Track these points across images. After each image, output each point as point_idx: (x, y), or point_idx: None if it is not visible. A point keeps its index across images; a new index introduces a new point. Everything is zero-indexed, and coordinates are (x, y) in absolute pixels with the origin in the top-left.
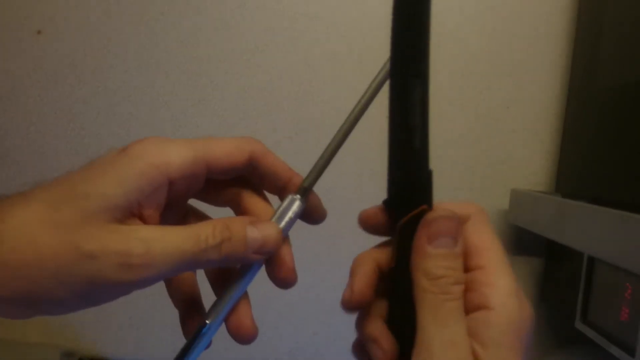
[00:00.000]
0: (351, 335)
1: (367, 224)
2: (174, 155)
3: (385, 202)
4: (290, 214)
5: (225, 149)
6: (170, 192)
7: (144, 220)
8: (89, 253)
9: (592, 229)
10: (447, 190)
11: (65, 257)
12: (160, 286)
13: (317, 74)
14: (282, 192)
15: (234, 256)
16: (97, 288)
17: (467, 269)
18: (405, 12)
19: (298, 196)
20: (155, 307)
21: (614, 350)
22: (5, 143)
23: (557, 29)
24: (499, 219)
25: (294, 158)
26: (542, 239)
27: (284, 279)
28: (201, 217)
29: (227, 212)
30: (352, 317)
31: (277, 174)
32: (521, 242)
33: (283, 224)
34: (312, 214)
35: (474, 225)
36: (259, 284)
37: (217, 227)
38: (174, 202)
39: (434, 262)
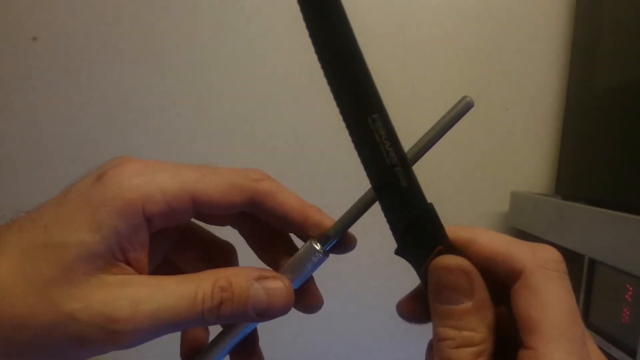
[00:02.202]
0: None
1: (407, 315)
2: (154, 189)
3: (397, 253)
4: (308, 265)
5: (220, 187)
6: (152, 228)
7: (130, 263)
8: (70, 314)
9: (592, 231)
10: (447, 194)
11: (45, 317)
12: None
13: (314, 79)
14: (298, 232)
15: (233, 318)
16: (78, 349)
17: (520, 343)
18: (333, 52)
19: (319, 245)
20: None
21: (615, 352)
22: (1, 150)
23: (555, 31)
24: (499, 221)
25: (291, 163)
26: (542, 242)
27: (311, 306)
28: (200, 242)
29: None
30: (349, 324)
31: (287, 217)
32: None
33: (297, 277)
34: (343, 248)
35: (530, 282)
36: None
37: (217, 284)
38: (161, 236)
39: (438, 319)
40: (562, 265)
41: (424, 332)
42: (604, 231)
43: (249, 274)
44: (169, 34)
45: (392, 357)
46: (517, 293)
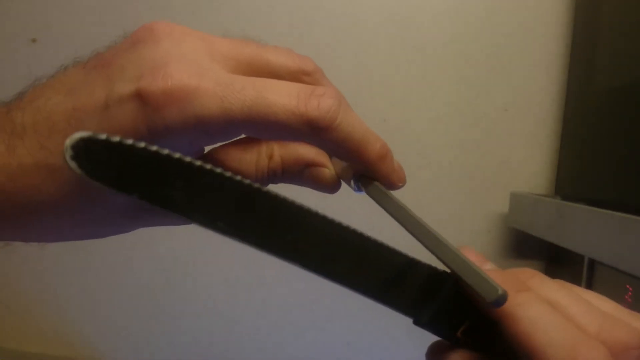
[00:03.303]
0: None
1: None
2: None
3: (417, 324)
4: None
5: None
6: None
7: None
8: None
9: (592, 232)
10: (446, 195)
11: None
12: (158, 292)
13: None
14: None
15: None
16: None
17: None
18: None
19: (361, 188)
20: (153, 314)
21: None
22: None
23: (555, 31)
24: (498, 222)
25: None
26: (542, 242)
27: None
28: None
29: None
30: (350, 324)
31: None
32: (521, 245)
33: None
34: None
35: None
36: (256, 289)
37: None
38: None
39: None
40: None
41: (424, 332)
42: (603, 231)
43: None
44: None
45: (392, 357)
46: None
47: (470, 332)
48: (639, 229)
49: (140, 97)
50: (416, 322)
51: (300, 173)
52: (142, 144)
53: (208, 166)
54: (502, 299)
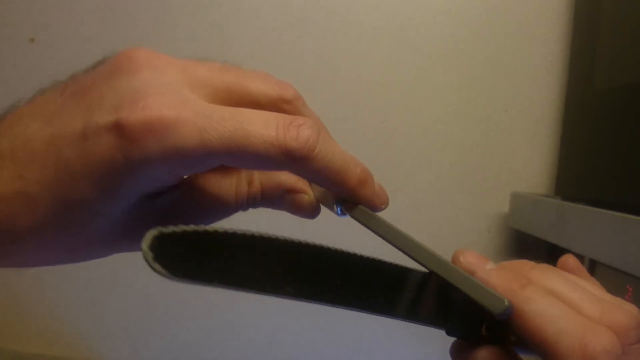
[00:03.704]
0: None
1: None
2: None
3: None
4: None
5: (262, 147)
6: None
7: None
8: None
9: (592, 232)
10: (447, 195)
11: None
12: (157, 294)
13: (312, 80)
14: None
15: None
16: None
17: None
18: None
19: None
20: (152, 315)
21: None
22: None
23: (554, 32)
24: (499, 223)
25: None
26: (542, 243)
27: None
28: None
29: None
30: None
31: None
32: (522, 246)
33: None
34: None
35: None
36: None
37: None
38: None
39: None
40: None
41: (425, 333)
42: (604, 232)
43: None
44: (167, 34)
45: (393, 357)
46: None
47: (490, 326)
48: (639, 229)
49: (119, 128)
50: (449, 333)
51: (279, 199)
52: (205, 228)
53: (275, 235)
54: (509, 310)
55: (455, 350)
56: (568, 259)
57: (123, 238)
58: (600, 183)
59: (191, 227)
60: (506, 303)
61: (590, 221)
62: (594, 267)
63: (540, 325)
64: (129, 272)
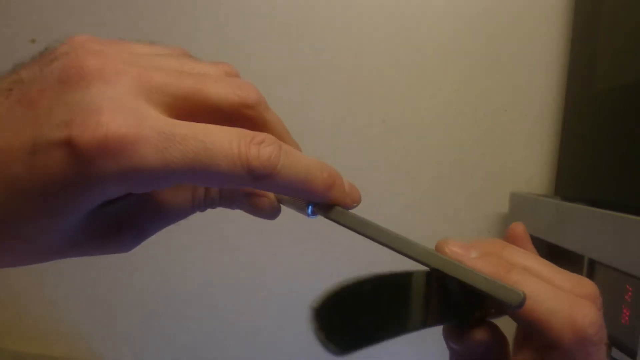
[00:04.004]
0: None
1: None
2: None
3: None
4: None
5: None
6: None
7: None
8: None
9: (592, 232)
10: (446, 195)
11: None
12: (157, 294)
13: (312, 80)
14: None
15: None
16: None
17: None
18: None
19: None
20: (152, 315)
21: (615, 353)
22: None
23: (554, 32)
24: (498, 223)
25: None
26: (542, 243)
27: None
28: None
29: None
30: None
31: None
32: None
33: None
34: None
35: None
36: (256, 290)
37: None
38: None
39: None
40: (602, 332)
41: (425, 334)
42: (603, 232)
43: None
44: (166, 35)
45: (392, 357)
46: None
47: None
48: (639, 229)
49: (71, 146)
50: (459, 325)
51: (238, 200)
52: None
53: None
54: (524, 301)
55: (452, 335)
56: (518, 227)
57: (73, 247)
58: (600, 183)
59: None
60: (522, 295)
61: (589, 221)
62: (593, 267)
63: (532, 307)
64: (129, 272)
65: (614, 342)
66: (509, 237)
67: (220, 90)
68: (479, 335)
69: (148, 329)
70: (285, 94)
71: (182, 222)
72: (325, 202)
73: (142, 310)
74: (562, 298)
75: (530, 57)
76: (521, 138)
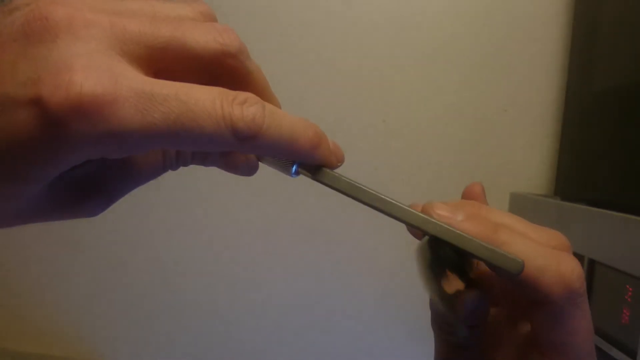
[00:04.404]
0: (351, 341)
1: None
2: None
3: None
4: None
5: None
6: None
7: None
8: None
9: (592, 232)
10: (446, 195)
11: None
12: (157, 293)
13: (312, 81)
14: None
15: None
16: None
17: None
18: None
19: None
20: (153, 315)
21: (615, 353)
22: None
23: (554, 32)
24: None
25: None
26: None
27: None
28: None
29: None
30: (350, 325)
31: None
32: None
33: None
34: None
35: (559, 315)
36: (256, 290)
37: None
38: None
39: None
40: (584, 282)
41: (425, 334)
42: (603, 232)
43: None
44: None
45: (392, 357)
46: (546, 321)
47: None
48: (639, 229)
49: (40, 106)
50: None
51: (212, 158)
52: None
53: None
54: (523, 268)
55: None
56: (476, 186)
57: (36, 213)
58: (600, 183)
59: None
60: (521, 263)
61: (589, 221)
62: (593, 267)
63: None
64: (129, 272)
65: (614, 342)
66: (466, 195)
67: (200, 37)
68: (471, 295)
69: (148, 329)
70: (286, 94)
71: (182, 222)
72: (311, 162)
73: (142, 310)
74: (548, 254)
75: (530, 57)
76: (521, 138)
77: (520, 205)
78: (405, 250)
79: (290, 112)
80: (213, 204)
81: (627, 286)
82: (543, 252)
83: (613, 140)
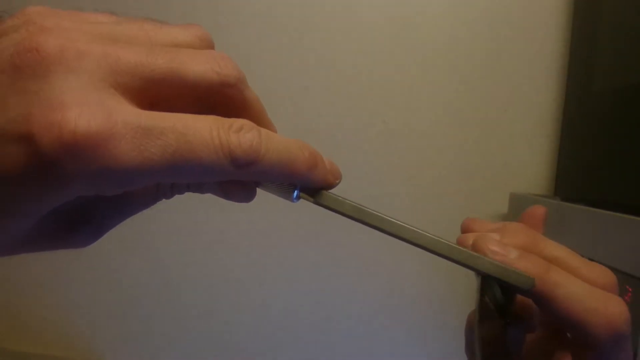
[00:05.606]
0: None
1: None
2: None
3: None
4: (277, 193)
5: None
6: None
7: None
8: None
9: (591, 232)
10: (446, 195)
11: None
12: (157, 294)
13: (312, 81)
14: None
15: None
16: None
17: None
18: None
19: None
20: (153, 315)
21: None
22: None
23: (554, 33)
24: None
25: None
26: None
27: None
28: None
29: None
30: (350, 325)
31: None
32: None
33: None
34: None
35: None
36: (256, 290)
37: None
38: None
39: None
40: (630, 325)
41: (425, 334)
42: (603, 232)
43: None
44: None
45: (392, 357)
46: None
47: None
48: (639, 229)
49: (31, 144)
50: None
51: (208, 185)
52: None
53: None
54: (534, 283)
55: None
56: (538, 209)
57: (24, 245)
58: (600, 183)
59: None
60: (532, 279)
61: (589, 221)
62: None
63: (570, 307)
64: (129, 272)
65: None
66: (525, 217)
67: (197, 68)
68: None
69: (148, 329)
70: (286, 94)
71: (183, 223)
72: (310, 184)
73: (142, 310)
74: (597, 296)
75: (530, 57)
76: (521, 138)
77: (520, 206)
78: (406, 251)
79: (291, 112)
80: (213, 205)
81: (627, 286)
82: (592, 293)
83: (613, 140)
